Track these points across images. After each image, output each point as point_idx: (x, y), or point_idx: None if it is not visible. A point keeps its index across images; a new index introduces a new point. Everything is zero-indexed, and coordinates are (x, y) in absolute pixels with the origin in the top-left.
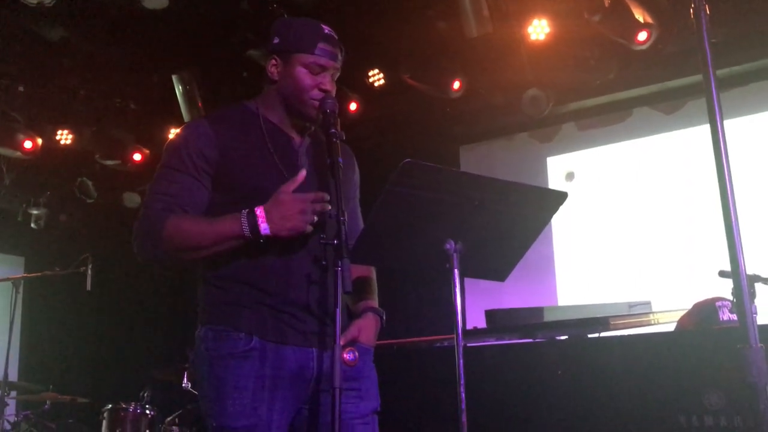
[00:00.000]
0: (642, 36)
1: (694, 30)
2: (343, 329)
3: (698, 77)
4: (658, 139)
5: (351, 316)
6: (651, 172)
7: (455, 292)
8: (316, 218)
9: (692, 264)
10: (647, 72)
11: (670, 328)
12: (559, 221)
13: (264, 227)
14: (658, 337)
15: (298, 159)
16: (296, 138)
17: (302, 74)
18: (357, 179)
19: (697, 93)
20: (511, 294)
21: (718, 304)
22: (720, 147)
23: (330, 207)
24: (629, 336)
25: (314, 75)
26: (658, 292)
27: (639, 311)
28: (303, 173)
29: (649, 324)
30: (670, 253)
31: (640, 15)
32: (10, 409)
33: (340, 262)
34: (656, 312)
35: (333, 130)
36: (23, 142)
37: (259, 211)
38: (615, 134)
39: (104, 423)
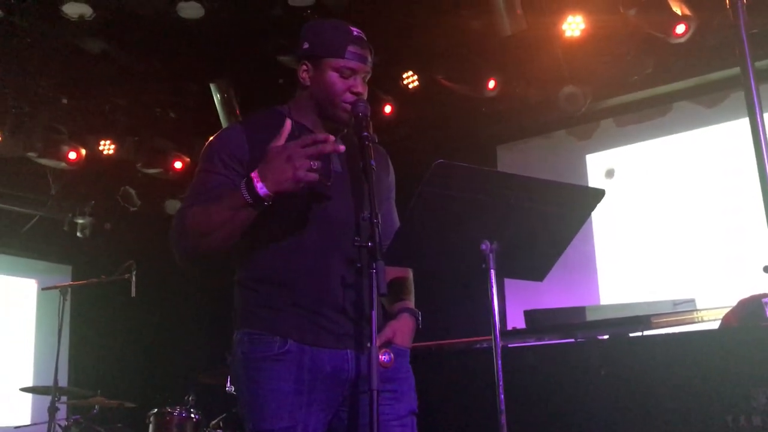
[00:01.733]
0: (680, 29)
1: (732, 21)
2: (379, 331)
3: (739, 69)
4: (699, 134)
5: (387, 317)
6: (693, 167)
7: (492, 293)
8: (315, 164)
9: (737, 260)
10: (686, 65)
11: (715, 325)
12: (599, 219)
13: (260, 187)
14: (702, 335)
15: (330, 161)
16: None
17: (333, 78)
18: (392, 180)
19: (738, 85)
20: (553, 294)
21: (765, 300)
22: (760, 140)
23: (342, 147)
24: (673, 334)
25: (345, 78)
26: (703, 289)
27: (683, 309)
28: (288, 123)
29: (692, 322)
30: (715, 250)
31: (677, 7)
32: (61, 414)
33: (374, 265)
34: (700, 309)
35: (365, 134)
36: (68, 153)
37: (254, 174)
38: (655, 129)
39: (151, 427)
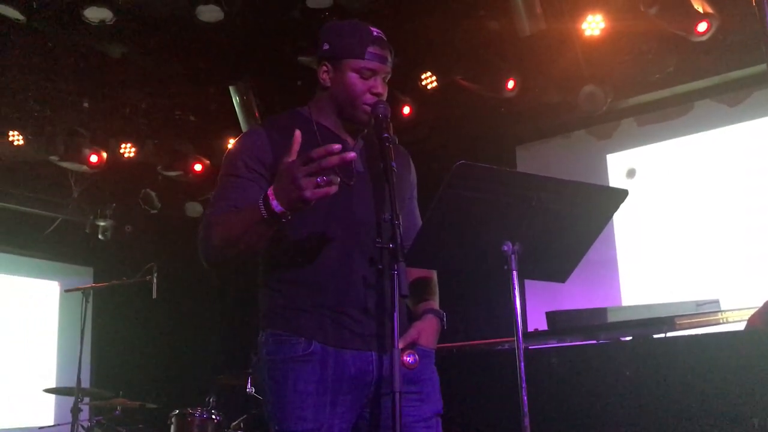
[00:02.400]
0: (702, 27)
1: (756, 18)
2: (403, 332)
3: (762, 67)
4: (721, 133)
5: (411, 317)
6: (715, 167)
7: (514, 294)
8: (322, 180)
9: (762, 260)
10: (708, 63)
11: (741, 327)
12: (621, 219)
13: (275, 204)
14: (727, 337)
15: (352, 161)
16: (350, 141)
17: (354, 79)
18: (413, 179)
19: (761, 83)
20: (574, 295)
21: None
22: None
23: (352, 155)
24: (697, 336)
25: (365, 79)
26: (727, 289)
27: (707, 310)
28: (298, 135)
29: (717, 323)
30: (739, 249)
31: (699, 5)
32: (84, 415)
33: (396, 266)
34: (725, 310)
35: (385, 135)
36: (89, 156)
37: (270, 191)
38: (676, 129)
39: (172, 428)
